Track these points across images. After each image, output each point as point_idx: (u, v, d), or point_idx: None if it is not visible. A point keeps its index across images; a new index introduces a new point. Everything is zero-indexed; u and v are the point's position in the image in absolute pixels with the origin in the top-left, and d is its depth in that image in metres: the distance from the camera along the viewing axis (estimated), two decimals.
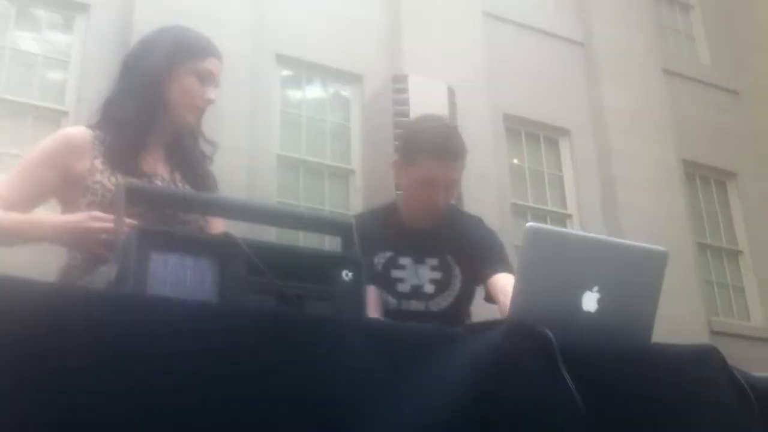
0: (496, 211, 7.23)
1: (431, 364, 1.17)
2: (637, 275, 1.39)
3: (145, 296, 1.09)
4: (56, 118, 6.28)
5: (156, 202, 1.47)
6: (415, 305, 2.46)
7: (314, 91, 7.69)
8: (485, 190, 7.08)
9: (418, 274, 2.47)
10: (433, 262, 2.48)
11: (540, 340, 1.20)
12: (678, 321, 6.24)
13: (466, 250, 2.48)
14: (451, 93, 6.15)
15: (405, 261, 2.49)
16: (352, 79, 7.55)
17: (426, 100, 5.94)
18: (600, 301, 1.33)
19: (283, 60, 7.24)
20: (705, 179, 9.40)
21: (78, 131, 2.03)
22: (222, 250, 1.18)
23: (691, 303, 7.75)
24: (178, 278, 1.13)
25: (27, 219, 1.88)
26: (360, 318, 1.26)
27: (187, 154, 2.12)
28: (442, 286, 2.47)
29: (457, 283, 2.48)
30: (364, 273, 1.27)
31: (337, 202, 7.07)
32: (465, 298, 2.53)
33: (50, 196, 2.00)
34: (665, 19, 10.12)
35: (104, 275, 1.16)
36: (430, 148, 2.35)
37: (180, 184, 2.07)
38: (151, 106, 2.01)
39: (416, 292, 2.47)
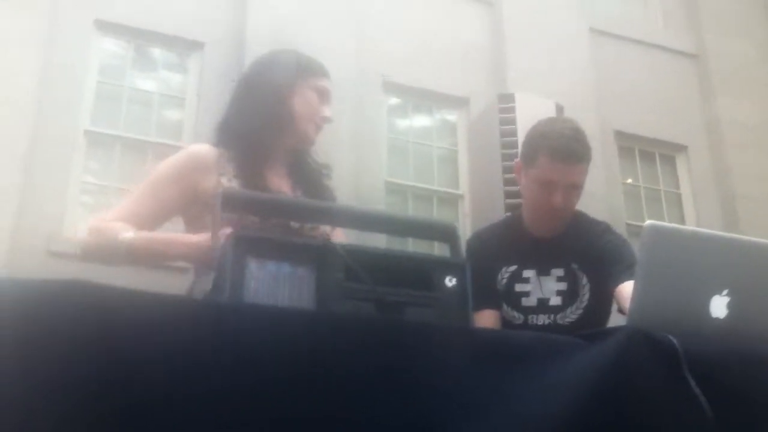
0: None
1: (544, 373, 1.09)
2: None
3: (240, 304, 1.05)
4: (174, 154, 6.47)
5: (253, 209, 1.44)
6: (542, 319, 2.35)
7: (421, 117, 7.68)
8: (594, 211, 6.82)
9: (544, 287, 2.37)
10: (559, 272, 2.37)
11: (664, 348, 1.10)
12: None
13: (594, 258, 2.34)
14: (560, 110, 5.98)
15: (529, 273, 2.39)
16: (459, 103, 7.50)
17: (534, 118, 5.78)
18: (730, 306, 1.21)
19: (389, 87, 7.27)
20: None
21: (204, 148, 2.03)
22: (319, 255, 1.14)
23: None
24: (275, 285, 1.09)
25: (161, 238, 1.86)
26: (465, 326, 1.19)
27: (308, 170, 2.11)
28: (569, 297, 2.35)
29: (585, 294, 2.35)
30: (470, 279, 1.20)
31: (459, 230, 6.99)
32: (597, 310, 2.37)
33: (176, 214, 1.99)
34: None
35: (203, 285, 1.14)
36: (550, 150, 2.26)
37: None
38: (277, 118, 2.00)
39: (543, 306, 2.36)
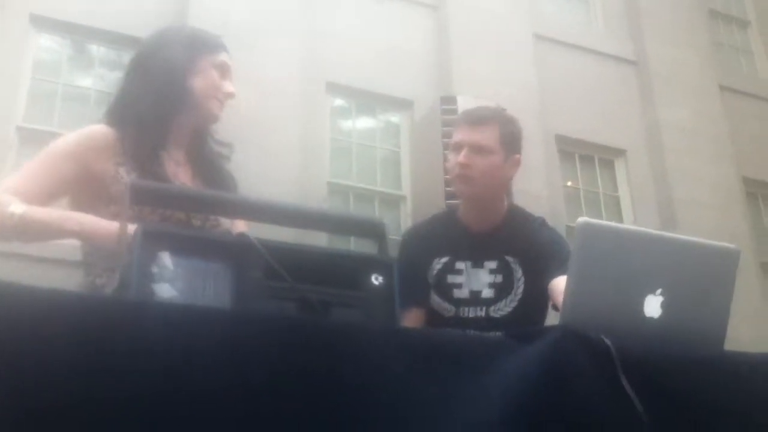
0: None
1: (473, 375, 1.04)
2: (705, 276, 1.23)
3: (146, 302, 0.98)
4: None
5: (166, 202, 1.36)
6: (474, 312, 2.33)
7: (364, 119, 7.64)
8: (536, 212, 6.89)
9: (477, 279, 2.35)
10: (492, 265, 2.35)
11: (597, 348, 1.06)
12: (743, 344, 5.94)
13: (529, 251, 2.34)
14: (498, 109, 6.01)
15: (462, 265, 2.37)
16: (402, 105, 7.49)
17: None
18: (664, 305, 1.18)
19: (333, 89, 7.21)
20: (767, 197, 9.06)
21: (101, 129, 1.93)
22: (237, 252, 1.07)
23: (757, 325, 7.41)
24: (188, 283, 1.02)
25: (56, 213, 1.78)
26: (391, 325, 1.13)
27: (208, 155, 2.04)
28: (502, 290, 2.34)
29: (520, 287, 2.34)
30: (397, 277, 1.15)
31: (389, 228, 6.96)
32: (532, 304, 2.34)
33: (67, 192, 1.90)
34: (721, 35, 9.86)
35: (113, 281, 1.06)
36: (457, 118, 2.47)
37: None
38: (172, 99, 1.92)
39: (475, 298, 2.34)
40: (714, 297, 1.25)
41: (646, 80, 8.63)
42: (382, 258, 1.18)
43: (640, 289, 1.19)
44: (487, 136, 2.33)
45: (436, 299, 2.37)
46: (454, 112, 5.64)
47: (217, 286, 1.04)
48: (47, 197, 1.83)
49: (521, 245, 2.36)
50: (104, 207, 1.83)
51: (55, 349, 0.91)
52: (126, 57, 6.62)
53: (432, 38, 7.73)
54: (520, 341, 1.10)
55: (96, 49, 6.77)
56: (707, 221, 7.85)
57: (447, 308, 2.35)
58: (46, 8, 6.36)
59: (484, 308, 2.33)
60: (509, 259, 2.35)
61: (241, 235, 1.10)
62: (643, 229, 1.28)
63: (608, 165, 8.34)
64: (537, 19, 8.26)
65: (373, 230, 1.26)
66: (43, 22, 6.40)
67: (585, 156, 8.23)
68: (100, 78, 6.75)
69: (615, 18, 8.99)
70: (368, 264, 1.16)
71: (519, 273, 2.34)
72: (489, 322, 2.29)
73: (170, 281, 1.01)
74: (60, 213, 1.78)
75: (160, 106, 1.91)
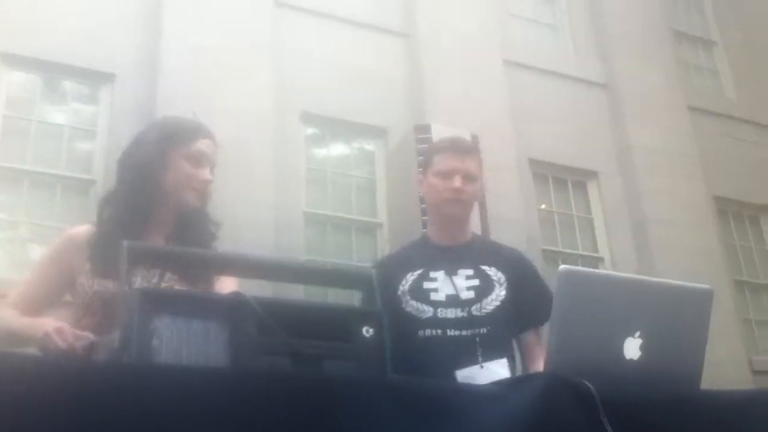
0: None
1: (465, 422, 1.07)
2: (681, 317, 1.28)
3: (148, 365, 1.01)
4: (85, 187, 6.30)
5: (161, 261, 1.40)
6: (453, 313, 2.40)
7: (338, 147, 7.67)
8: (514, 237, 6.93)
9: (452, 284, 2.44)
10: (468, 272, 2.47)
11: (580, 393, 1.10)
12: (718, 362, 6.03)
13: (502, 261, 2.51)
14: (475, 140, 6.08)
15: (436, 274, 2.47)
16: (377, 133, 7.53)
17: None
18: (643, 348, 1.23)
19: (306, 118, 7.24)
20: (738, 215, 9.20)
21: (80, 231, 2.04)
22: (231, 310, 1.10)
23: (730, 342, 7.51)
24: (185, 343, 1.05)
25: (30, 324, 1.89)
26: (384, 376, 1.17)
27: (192, 235, 2.07)
28: (483, 291, 2.43)
29: (503, 290, 2.44)
30: (386, 328, 1.18)
31: (365, 256, 6.97)
32: (516, 304, 2.46)
33: (62, 295, 2.03)
34: (687, 56, 10.04)
35: (107, 344, 1.09)
36: (443, 146, 2.59)
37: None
38: (144, 197, 2.01)
39: (453, 300, 2.41)
40: (690, 337, 1.30)
41: (616, 102, 8.76)
42: (370, 309, 1.22)
43: (619, 333, 1.23)
44: (475, 165, 2.56)
45: (412, 304, 2.44)
46: (428, 140, 5.70)
47: (214, 344, 1.07)
48: (44, 304, 1.99)
49: (494, 257, 2.52)
50: (74, 299, 1.97)
51: (58, 414, 0.93)
52: (100, 92, 6.66)
53: (404, 65, 7.79)
54: (508, 388, 1.14)
55: (69, 85, 6.76)
56: (680, 240, 7.96)
57: (424, 310, 2.42)
58: (16, 46, 6.34)
59: (466, 309, 2.40)
60: (484, 267, 2.48)
61: (235, 293, 1.13)
62: (621, 274, 1.33)
63: (581, 187, 8.43)
64: (507, 45, 8.37)
65: (360, 281, 1.30)
66: (13, 60, 6.39)
67: (558, 179, 8.32)
68: (74, 113, 6.73)
69: (584, 42, 9.13)
70: (358, 316, 1.19)
71: (499, 276, 2.46)
72: (472, 321, 2.37)
73: (168, 342, 1.04)
74: (32, 322, 1.88)
75: (134, 207, 1.99)
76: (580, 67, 8.86)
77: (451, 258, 2.49)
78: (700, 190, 8.57)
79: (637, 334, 1.24)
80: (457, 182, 2.48)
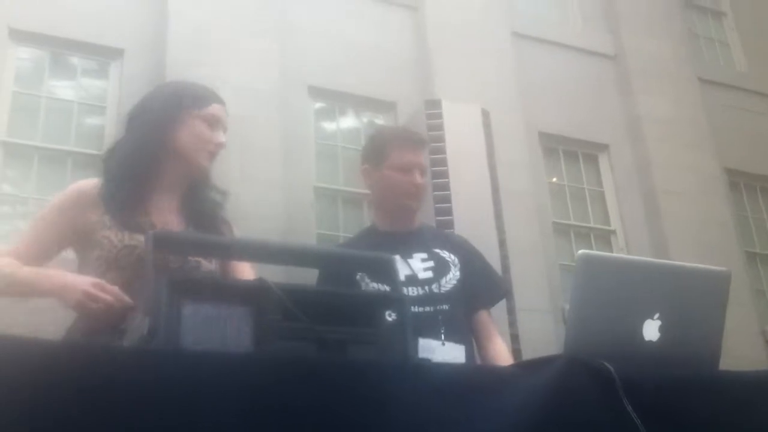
0: (537, 230, 7.13)
1: (485, 405, 1.09)
2: (699, 299, 1.30)
3: (176, 351, 1.03)
4: (94, 163, 6.31)
5: (185, 249, 1.42)
6: (413, 290, 2.44)
7: (348, 121, 7.65)
8: (525, 210, 6.97)
9: (409, 266, 2.48)
10: (422, 255, 2.53)
11: (600, 375, 1.12)
12: (731, 333, 6.02)
13: (458, 247, 2.59)
14: (486, 115, 6.06)
15: None
16: (386, 107, 7.51)
17: (460, 123, 5.85)
18: (662, 329, 1.25)
19: (315, 92, 7.22)
20: (750, 187, 9.16)
21: (88, 184, 2.02)
22: (256, 296, 1.12)
23: (743, 314, 7.52)
24: (212, 328, 1.07)
25: (38, 272, 1.89)
26: (407, 361, 1.18)
27: (201, 203, 2.09)
28: (439, 271, 2.51)
29: (456, 272, 2.52)
30: (409, 312, 1.20)
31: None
32: (472, 284, 2.54)
33: (63, 249, 2.01)
34: (698, 27, 9.96)
35: (136, 329, 1.11)
36: (399, 140, 2.60)
37: None
38: (156, 154, 1.99)
39: (411, 280, 2.46)
40: (708, 318, 1.31)
41: (625, 74, 8.70)
42: (393, 294, 1.24)
43: (638, 315, 1.25)
44: (425, 158, 2.64)
45: (373, 285, 2.47)
46: (438, 116, 5.68)
47: (239, 329, 1.09)
48: (45, 255, 1.96)
49: (444, 241, 2.62)
50: (90, 252, 1.93)
51: (88, 400, 0.95)
52: (109, 67, 6.66)
53: (410, 39, 7.75)
54: (528, 370, 1.16)
55: (77, 61, 6.75)
56: (692, 212, 7.94)
57: (385, 290, 2.47)
58: (24, 21, 6.34)
59: (425, 287, 2.46)
60: (437, 250, 2.56)
61: (260, 280, 1.15)
62: (639, 258, 1.34)
63: (592, 160, 8.41)
64: (515, 17, 8.31)
65: (382, 267, 1.31)
66: (22, 35, 6.38)
67: (569, 152, 8.30)
68: (83, 89, 6.74)
69: (592, 13, 9.06)
70: (381, 301, 1.21)
71: (452, 258, 2.55)
72: (432, 298, 2.43)
73: (195, 328, 1.06)
74: (38, 272, 1.89)
75: (143, 161, 1.98)
76: (588, 38, 8.79)
77: (404, 243, 2.55)
78: (711, 161, 8.54)
79: (656, 316, 1.25)
80: (418, 177, 2.54)
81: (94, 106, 6.62)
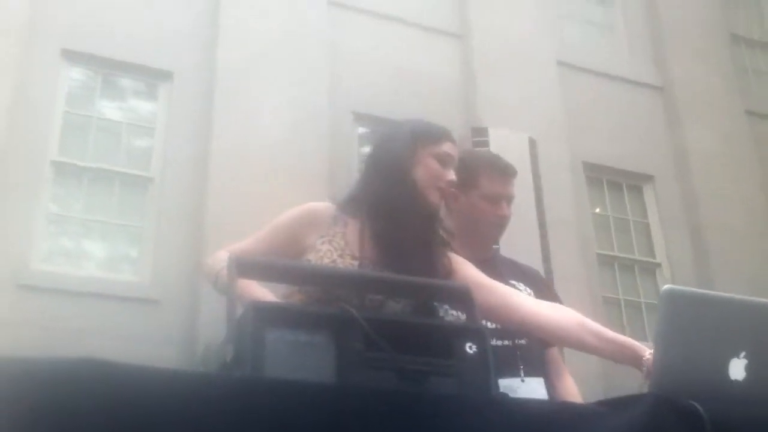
0: (581, 261, 7.06)
1: None
2: None
3: (258, 378, 1.02)
4: (142, 184, 6.41)
5: (267, 275, 1.41)
6: (490, 323, 2.38)
7: None
8: (568, 240, 6.91)
9: None
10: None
11: (689, 415, 1.08)
12: None
13: (535, 288, 2.50)
14: (533, 143, 6.05)
15: None
16: None
17: (507, 151, 5.81)
18: (748, 368, 1.21)
19: (360, 119, 7.26)
20: None
21: (321, 206, 2.07)
22: (338, 324, 1.11)
23: None
24: (294, 355, 1.06)
25: (253, 290, 1.83)
26: (488, 395, 1.16)
27: (433, 242, 2.06)
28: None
29: None
30: (490, 345, 1.18)
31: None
32: None
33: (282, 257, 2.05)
34: (746, 59, 9.86)
35: (218, 355, 1.10)
36: (490, 168, 2.51)
37: None
38: (403, 189, 2.00)
39: None
40: None
41: (672, 105, 8.63)
42: (474, 326, 1.22)
43: (724, 353, 1.22)
44: (514, 186, 2.55)
45: (452, 313, 2.45)
46: (485, 144, 5.68)
47: (322, 359, 1.08)
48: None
49: (517, 272, 2.56)
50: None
51: (168, 425, 0.95)
52: (158, 90, 6.76)
53: (457, 67, 7.77)
54: (613, 408, 1.13)
55: (127, 82, 6.86)
56: (740, 246, 7.81)
57: (461, 317, 2.47)
58: (76, 43, 6.46)
59: None
60: (513, 281, 2.47)
61: (342, 308, 1.14)
62: (724, 294, 1.31)
63: (637, 191, 8.33)
64: (562, 47, 8.30)
65: (460, 297, 1.29)
66: (74, 56, 6.50)
67: (613, 182, 8.22)
68: (132, 111, 6.84)
69: (640, 44, 9.01)
70: (461, 333, 1.19)
71: (528, 290, 2.46)
72: (509, 331, 2.36)
73: (278, 355, 1.05)
74: (255, 292, 1.82)
75: (393, 197, 1.99)
76: (635, 69, 8.74)
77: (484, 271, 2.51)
78: (759, 195, 8.41)
79: (742, 354, 1.22)
80: (505, 210, 2.49)
81: (143, 128, 6.72)
